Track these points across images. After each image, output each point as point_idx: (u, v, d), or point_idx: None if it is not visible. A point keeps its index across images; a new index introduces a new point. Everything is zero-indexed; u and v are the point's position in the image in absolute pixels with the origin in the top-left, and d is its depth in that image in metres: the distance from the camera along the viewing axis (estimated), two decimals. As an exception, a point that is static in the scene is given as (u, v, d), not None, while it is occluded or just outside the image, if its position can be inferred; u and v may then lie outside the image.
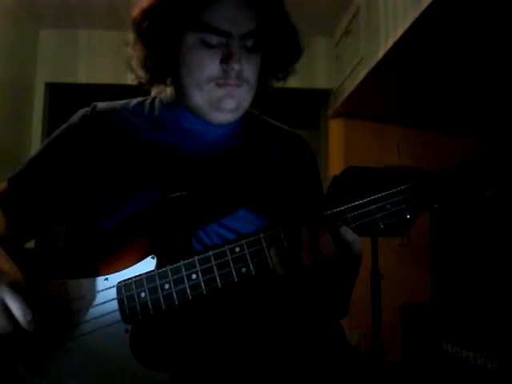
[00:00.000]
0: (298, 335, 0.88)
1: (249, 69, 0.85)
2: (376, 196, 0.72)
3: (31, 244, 2.84)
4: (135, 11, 0.86)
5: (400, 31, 2.21)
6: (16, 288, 0.71)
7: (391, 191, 0.71)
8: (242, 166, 0.89)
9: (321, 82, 3.49)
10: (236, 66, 0.82)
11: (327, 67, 3.47)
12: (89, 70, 3.42)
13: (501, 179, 0.68)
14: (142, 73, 0.89)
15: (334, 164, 3.42)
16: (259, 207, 0.85)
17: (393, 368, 2.41)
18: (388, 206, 0.71)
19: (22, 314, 0.70)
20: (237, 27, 0.82)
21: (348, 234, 0.67)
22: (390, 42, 2.34)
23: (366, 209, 0.71)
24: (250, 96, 0.89)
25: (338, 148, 3.49)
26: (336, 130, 3.54)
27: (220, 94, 0.84)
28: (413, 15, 2.06)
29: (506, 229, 1.99)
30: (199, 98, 0.86)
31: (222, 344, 0.80)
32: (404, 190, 0.71)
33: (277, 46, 0.89)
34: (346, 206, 0.72)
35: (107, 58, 3.37)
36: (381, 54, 2.47)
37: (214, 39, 0.83)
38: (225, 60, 0.82)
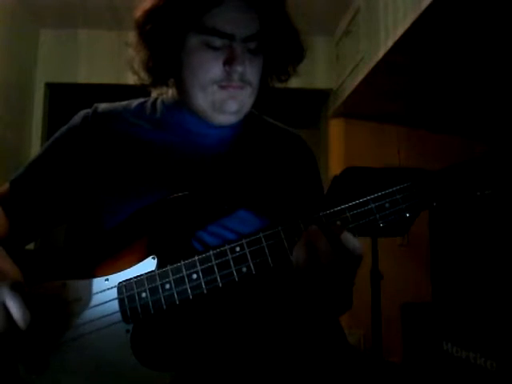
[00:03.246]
0: (298, 335, 0.88)
1: (252, 71, 0.85)
2: (375, 195, 0.72)
3: (31, 245, 2.84)
4: (138, 12, 0.86)
5: (400, 31, 2.21)
6: (16, 289, 0.71)
7: (390, 190, 0.71)
8: (243, 167, 0.89)
9: (321, 81, 3.49)
10: (239, 69, 0.82)
11: (327, 67, 3.48)
12: (89, 69, 3.42)
13: (501, 179, 0.68)
14: (144, 74, 0.89)
15: (334, 164, 3.42)
16: (260, 208, 0.85)
17: (393, 368, 2.41)
18: (387, 205, 0.71)
19: (21, 315, 0.70)
20: (240, 30, 0.83)
21: (348, 240, 0.67)
22: (390, 42, 2.34)
23: (366, 208, 0.71)
24: (252, 98, 0.89)
25: (338, 148, 3.49)
26: (336, 130, 3.54)
27: (223, 97, 0.84)
28: (413, 15, 2.06)
29: (505, 229, 1.99)
30: (202, 100, 0.86)
31: (222, 344, 0.80)
32: (403, 188, 0.71)
33: (279, 48, 0.89)
34: (345, 205, 0.72)
35: (107, 58, 3.37)
36: (381, 54, 2.47)
37: (218, 41, 0.83)
38: (228, 62, 0.82)
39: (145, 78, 0.90)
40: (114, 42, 3.32)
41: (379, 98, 3.07)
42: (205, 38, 0.83)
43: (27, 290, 0.73)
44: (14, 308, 0.69)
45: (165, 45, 0.85)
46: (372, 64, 2.61)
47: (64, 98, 3.51)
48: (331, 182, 2.01)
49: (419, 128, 3.44)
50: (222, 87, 0.84)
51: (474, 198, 0.69)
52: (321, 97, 3.66)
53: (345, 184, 1.91)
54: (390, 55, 2.41)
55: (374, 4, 2.64)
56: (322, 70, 3.47)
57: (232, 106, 0.86)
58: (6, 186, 0.94)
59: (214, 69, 0.83)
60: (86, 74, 3.42)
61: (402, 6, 2.23)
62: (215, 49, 0.83)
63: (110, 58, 3.34)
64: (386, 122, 3.44)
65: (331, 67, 3.48)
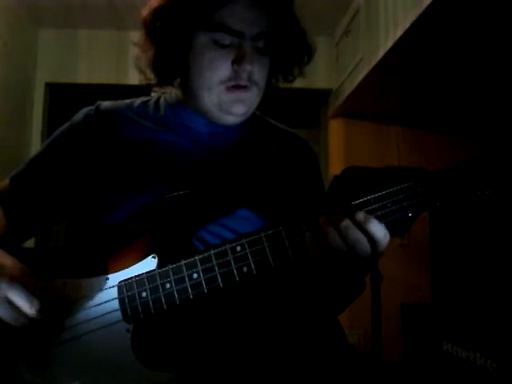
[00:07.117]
0: (298, 335, 0.88)
1: (259, 71, 0.85)
2: (377, 194, 0.71)
3: (31, 243, 2.84)
4: (146, 11, 0.86)
5: (400, 31, 2.21)
6: (15, 279, 0.70)
7: (392, 189, 0.71)
8: (245, 167, 0.89)
9: (321, 81, 3.49)
10: (248, 67, 0.82)
11: (327, 67, 3.47)
12: (89, 70, 3.42)
13: (501, 179, 0.68)
14: (150, 73, 0.89)
15: (334, 164, 3.42)
16: (261, 207, 0.85)
17: (393, 368, 2.41)
18: (389, 205, 0.71)
19: (27, 304, 0.69)
20: (249, 27, 0.83)
21: (377, 231, 0.68)
22: (390, 42, 2.34)
23: (368, 208, 0.71)
24: (258, 98, 0.89)
25: (338, 148, 3.49)
26: (336, 129, 3.54)
27: (230, 99, 0.84)
28: (413, 15, 2.06)
29: (506, 229, 1.99)
30: (208, 101, 0.86)
31: (223, 343, 0.80)
32: (405, 188, 0.71)
33: (287, 48, 0.90)
34: (348, 205, 0.72)
35: (107, 58, 3.36)
36: (381, 54, 2.47)
37: (227, 39, 0.82)
38: (237, 60, 0.82)
39: (151, 77, 0.90)
40: (114, 42, 3.32)
41: (379, 98, 3.06)
42: (214, 36, 0.83)
43: (33, 280, 0.72)
44: (19, 300, 0.69)
45: (173, 43, 0.85)
46: (372, 64, 2.61)
47: (64, 97, 3.50)
48: (331, 181, 2.01)
49: (419, 128, 3.44)
50: (229, 89, 0.84)
51: (474, 198, 0.69)
52: (321, 97, 3.66)
53: (345, 184, 1.91)
54: (390, 55, 2.41)
55: (374, 4, 2.64)
56: (322, 70, 3.47)
57: (240, 108, 0.86)
58: (6, 182, 0.94)
59: (222, 68, 0.83)
60: (86, 73, 3.42)
61: (401, 6, 2.23)
62: (224, 47, 0.83)
63: (110, 58, 3.34)
64: (385, 122, 3.44)
65: (331, 67, 3.47)
